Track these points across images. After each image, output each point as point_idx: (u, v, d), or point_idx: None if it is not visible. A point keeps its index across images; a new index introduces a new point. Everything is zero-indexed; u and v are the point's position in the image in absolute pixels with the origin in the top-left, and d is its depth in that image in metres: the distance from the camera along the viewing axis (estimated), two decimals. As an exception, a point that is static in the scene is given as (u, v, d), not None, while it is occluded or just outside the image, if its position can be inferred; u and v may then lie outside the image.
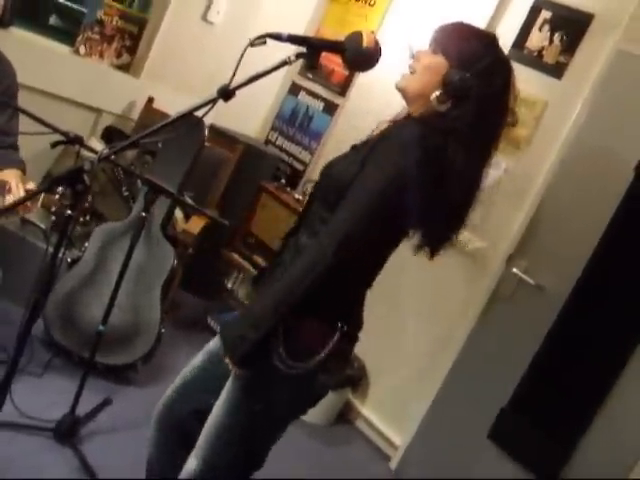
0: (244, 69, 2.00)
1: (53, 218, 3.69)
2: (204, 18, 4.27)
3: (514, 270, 3.58)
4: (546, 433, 3.37)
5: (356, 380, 4.00)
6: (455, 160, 1.90)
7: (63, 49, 4.16)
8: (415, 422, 3.83)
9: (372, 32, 2.07)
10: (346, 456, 3.88)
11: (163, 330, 3.58)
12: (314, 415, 3.91)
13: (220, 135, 4.53)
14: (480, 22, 3.87)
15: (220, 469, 2.09)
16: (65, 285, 3.48)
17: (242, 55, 2.07)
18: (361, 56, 2.05)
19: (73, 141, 2.64)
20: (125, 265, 2.92)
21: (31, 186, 2.64)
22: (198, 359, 2.30)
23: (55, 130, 2.60)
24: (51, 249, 3.62)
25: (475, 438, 3.56)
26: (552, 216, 3.54)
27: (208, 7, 4.28)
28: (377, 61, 2.06)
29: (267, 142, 4.94)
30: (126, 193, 3.97)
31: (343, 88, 4.54)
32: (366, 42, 2.03)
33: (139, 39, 4.27)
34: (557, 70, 3.60)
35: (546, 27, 3.66)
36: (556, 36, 3.62)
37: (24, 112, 2.78)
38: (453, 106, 1.94)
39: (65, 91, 4.02)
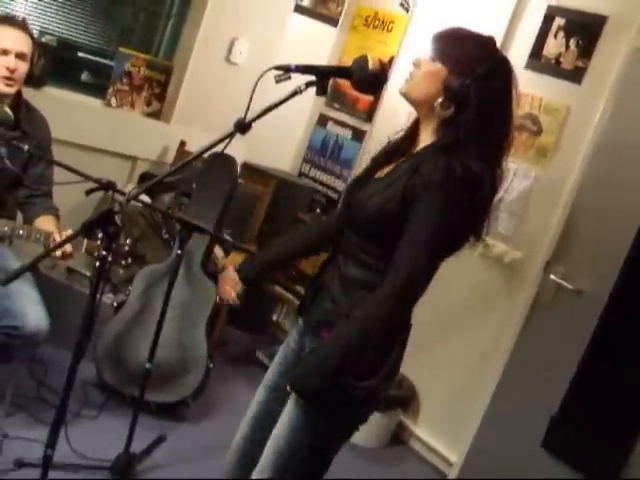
0: (265, 103, 2.06)
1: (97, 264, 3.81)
2: (227, 60, 4.40)
3: (552, 277, 3.58)
4: (599, 437, 3.34)
5: (406, 400, 4.02)
6: (465, 155, 1.93)
7: (95, 103, 4.32)
8: (468, 437, 3.82)
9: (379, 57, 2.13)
10: (403, 476, 3.89)
11: (212, 366, 3.65)
12: (367, 438, 3.93)
13: (254, 171, 4.65)
14: (496, 36, 3.92)
15: None
16: (113, 328, 3.59)
17: (254, 89, 2.13)
18: (368, 78, 2.12)
19: (106, 187, 2.75)
20: (166, 303, 3.01)
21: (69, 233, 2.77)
22: (261, 396, 2.34)
23: (88, 178, 2.72)
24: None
25: (529, 448, 3.54)
26: (585, 220, 3.54)
27: (230, 49, 4.41)
28: (384, 82, 2.14)
29: (300, 174, 5.04)
30: (166, 236, 4.07)
31: (369, 114, 4.63)
32: (371, 65, 2.11)
33: (167, 86, 4.41)
34: (576, 75, 3.62)
35: (561, 34, 3.69)
36: (572, 42, 3.65)
37: (57, 163, 2.93)
38: (457, 111, 1.97)
39: (100, 142, 4.16)
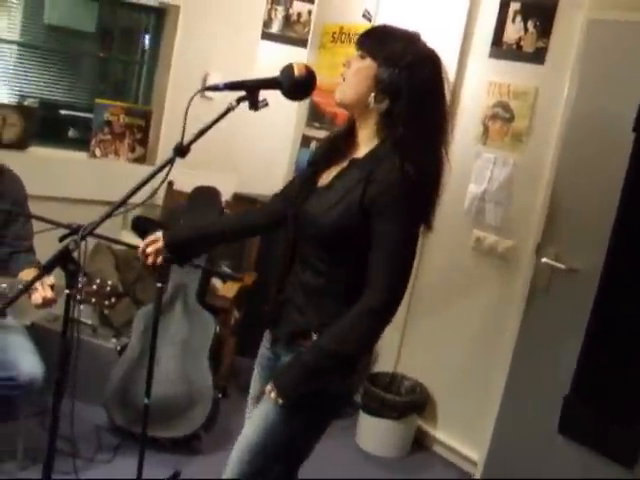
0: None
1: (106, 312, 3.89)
2: (202, 95, 4.46)
3: (545, 260, 3.55)
4: (614, 415, 3.29)
5: (420, 405, 3.98)
6: (415, 153, 1.97)
7: (81, 156, 4.41)
8: (487, 433, 3.78)
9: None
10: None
11: (220, 396, 3.67)
12: (386, 448, 3.92)
13: (243, 200, 4.71)
14: (457, 32, 3.95)
15: None
16: (118, 371, 3.64)
17: (186, 113, 2.20)
18: (296, 85, 2.15)
19: (76, 231, 2.80)
20: (154, 337, 3.03)
21: (51, 281, 2.84)
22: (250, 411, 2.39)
23: (58, 225, 2.76)
24: (98, 341, 3.81)
25: (547, 433, 3.50)
26: (568, 198, 3.52)
27: (204, 84, 4.49)
28: (313, 87, 2.17)
29: (294, 197, 5.05)
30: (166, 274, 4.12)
31: (349, 128, 4.64)
32: (297, 71, 2.14)
33: (148, 130, 4.49)
34: (538, 56, 3.62)
35: (518, 18, 3.70)
36: (530, 24, 3.65)
37: (30, 216, 3.00)
38: (392, 103, 2.01)
39: (89, 193, 4.24)
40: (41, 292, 2.80)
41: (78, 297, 2.86)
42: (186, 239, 2.43)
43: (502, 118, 3.76)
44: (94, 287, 2.86)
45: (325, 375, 2.02)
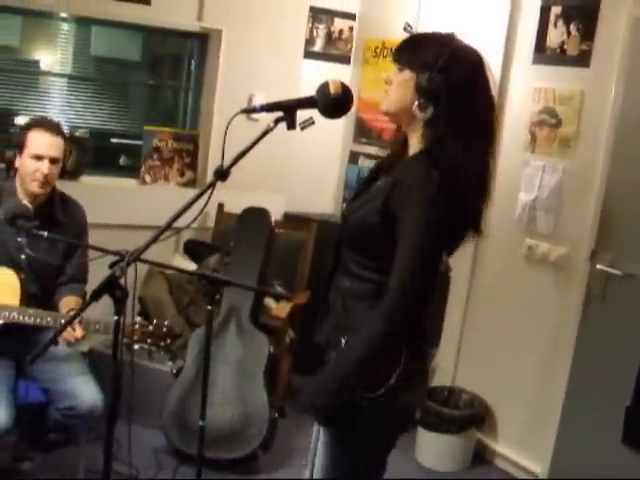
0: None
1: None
2: (248, 117, 4.52)
3: (599, 266, 3.48)
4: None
5: (479, 418, 3.92)
6: (456, 157, 1.95)
7: (131, 183, 4.50)
8: (549, 444, 3.70)
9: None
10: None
11: (276, 415, 3.68)
12: (449, 463, 3.87)
13: (294, 219, 4.74)
14: (498, 40, 3.92)
15: None
16: (175, 394, 3.68)
17: (225, 135, 2.21)
18: (332, 103, 2.14)
19: (124, 257, 2.84)
20: (207, 359, 3.05)
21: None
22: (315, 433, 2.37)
23: (107, 252, 2.80)
24: (154, 364, 3.85)
25: (611, 444, 3.40)
26: (622, 202, 3.44)
27: (249, 105, 4.53)
28: (350, 104, 2.16)
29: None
30: (217, 297, 4.16)
31: (395, 142, 4.64)
32: (333, 89, 2.13)
33: (196, 154, 4.56)
34: (583, 59, 3.56)
35: (560, 22, 3.64)
36: (572, 27, 3.60)
37: (81, 245, 3.08)
38: (435, 109, 1.99)
39: (140, 219, 4.30)
40: (71, 331, 2.88)
41: (135, 337, 2.94)
42: None
43: (549, 124, 3.70)
44: (150, 328, 2.91)
45: (343, 383, 1.97)
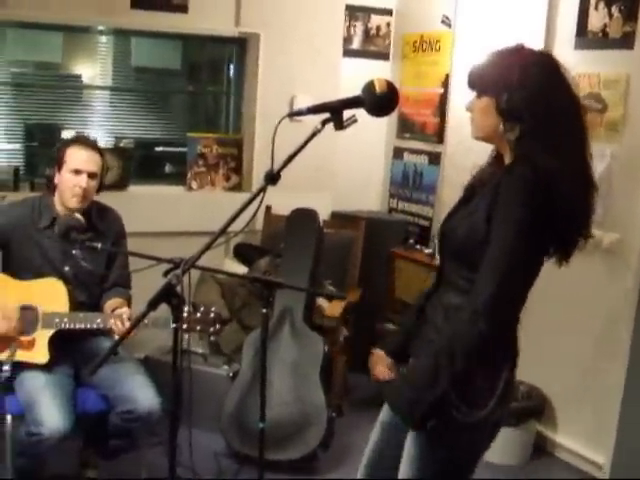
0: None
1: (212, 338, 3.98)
2: (291, 119, 4.53)
3: (654, 250, 3.43)
4: None
5: (538, 410, 3.89)
6: (551, 169, 1.91)
7: (177, 190, 4.55)
8: (611, 434, 3.65)
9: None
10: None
11: (334, 415, 3.69)
12: (509, 456, 3.84)
13: (342, 218, 4.75)
14: (538, 27, 3.87)
15: None
16: (232, 397, 3.71)
17: (273, 139, 2.24)
18: (378, 102, 2.15)
19: (178, 265, 2.87)
20: (263, 362, 3.08)
21: (121, 311, 3.01)
22: (376, 434, 2.37)
23: (161, 260, 2.84)
24: (210, 369, 3.89)
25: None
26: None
27: (291, 107, 4.57)
28: (396, 102, 2.16)
29: (390, 210, 5.08)
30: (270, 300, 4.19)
31: (439, 135, 4.64)
32: (378, 88, 2.14)
33: (241, 158, 4.60)
34: (627, 41, 3.51)
35: (601, 4, 3.60)
36: (614, 9, 3.55)
37: (133, 254, 3.13)
38: (521, 126, 1.97)
39: (189, 226, 4.36)
40: (120, 327, 2.95)
41: (184, 327, 2.98)
42: (403, 342, 2.35)
43: (594, 110, 3.65)
44: (198, 315, 2.94)
45: (430, 386, 1.94)
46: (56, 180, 3.17)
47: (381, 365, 2.34)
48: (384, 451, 2.32)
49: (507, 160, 2.06)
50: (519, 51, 2.04)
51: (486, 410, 1.98)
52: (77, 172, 3.11)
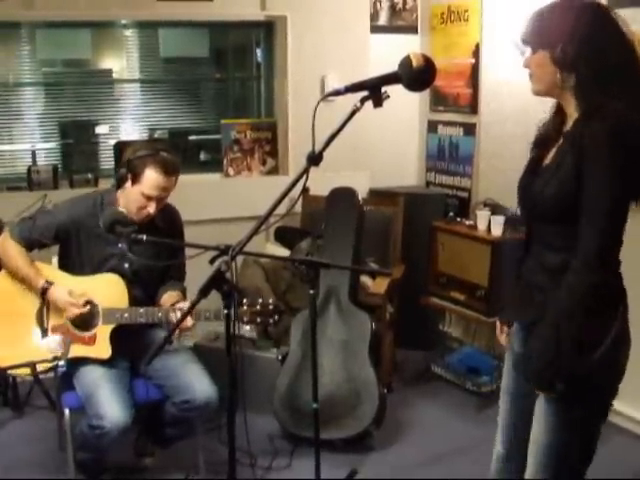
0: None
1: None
2: (323, 100, 4.52)
3: None
4: None
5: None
6: (616, 112, 1.97)
7: (214, 177, 4.57)
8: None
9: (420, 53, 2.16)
10: (613, 456, 3.71)
11: (385, 391, 3.71)
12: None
13: (381, 195, 4.74)
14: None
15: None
16: (283, 379, 3.74)
17: (313, 121, 2.24)
18: (416, 77, 2.14)
19: (225, 251, 2.88)
20: (314, 343, 3.09)
21: (181, 305, 3.04)
22: (505, 404, 2.41)
23: (207, 248, 2.86)
24: (260, 353, 3.92)
25: None
26: None
27: (322, 87, 4.57)
28: (434, 75, 2.15)
29: (428, 184, 5.06)
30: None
31: (473, 106, 4.60)
32: (415, 62, 2.12)
33: (276, 142, 4.60)
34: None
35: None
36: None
37: (181, 245, 3.15)
38: (577, 75, 2.03)
39: (227, 212, 4.39)
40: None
41: (245, 319, 3.01)
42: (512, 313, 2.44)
43: None
44: (258, 307, 2.97)
45: (563, 350, 1.98)
46: (126, 185, 3.07)
47: (501, 334, 2.46)
48: (517, 423, 2.36)
49: (570, 109, 2.11)
50: (570, 2, 2.08)
51: (602, 354, 2.00)
52: (149, 198, 3.03)
